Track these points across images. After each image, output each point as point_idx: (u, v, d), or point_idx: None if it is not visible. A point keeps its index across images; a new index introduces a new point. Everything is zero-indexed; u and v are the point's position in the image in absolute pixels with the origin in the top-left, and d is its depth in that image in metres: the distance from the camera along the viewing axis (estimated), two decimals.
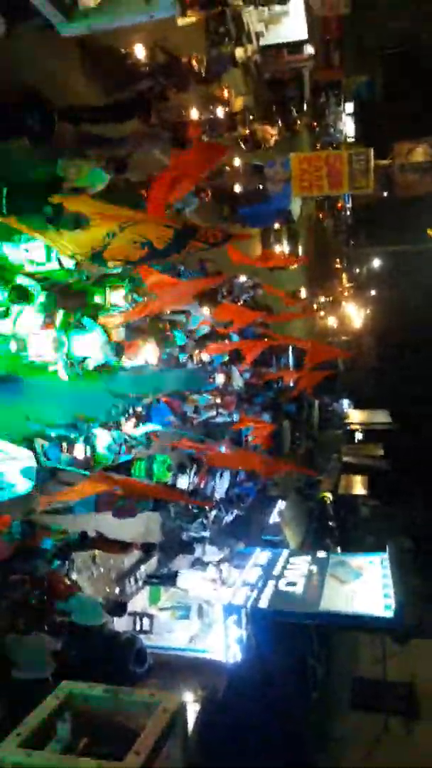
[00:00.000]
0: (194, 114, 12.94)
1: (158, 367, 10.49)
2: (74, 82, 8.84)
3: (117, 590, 9.96)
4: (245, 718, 7.65)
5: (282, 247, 23.03)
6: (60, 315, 7.48)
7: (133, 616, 10.30)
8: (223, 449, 12.29)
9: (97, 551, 9.67)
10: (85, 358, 8.09)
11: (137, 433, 10.06)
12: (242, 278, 15.68)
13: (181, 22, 9.83)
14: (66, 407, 8.88)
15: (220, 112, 14.53)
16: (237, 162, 16.64)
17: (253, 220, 19.17)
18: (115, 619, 9.12)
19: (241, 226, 18.77)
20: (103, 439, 8.92)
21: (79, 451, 8.28)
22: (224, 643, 9.39)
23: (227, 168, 16.25)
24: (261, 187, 17.40)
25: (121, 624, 9.55)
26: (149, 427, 10.47)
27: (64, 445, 8.07)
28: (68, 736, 3.04)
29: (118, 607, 8.43)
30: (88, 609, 7.21)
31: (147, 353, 9.33)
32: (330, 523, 22.02)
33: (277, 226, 21.93)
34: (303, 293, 25.84)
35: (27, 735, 2.84)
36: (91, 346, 8.05)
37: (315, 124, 30.12)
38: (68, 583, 7.43)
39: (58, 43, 7.69)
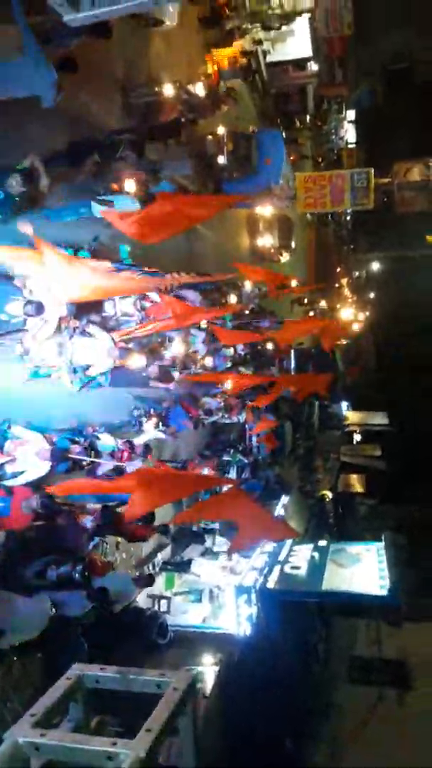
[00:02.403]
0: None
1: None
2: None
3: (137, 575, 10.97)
4: (257, 680, 8.73)
5: (273, 239, 21.04)
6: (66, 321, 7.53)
7: (152, 598, 11.35)
8: (206, 471, 13.02)
9: (119, 539, 10.68)
10: (88, 366, 8.11)
11: (151, 437, 10.56)
12: (248, 287, 16.44)
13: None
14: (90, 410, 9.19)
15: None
16: (221, 130, 15.04)
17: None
18: (138, 599, 10.18)
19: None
20: (107, 442, 9.00)
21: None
22: (236, 620, 10.49)
23: (210, 137, 14.87)
24: (248, 158, 15.98)
25: (141, 605, 10.61)
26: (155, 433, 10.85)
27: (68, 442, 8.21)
28: (81, 716, 3.16)
29: (148, 579, 9.42)
30: (122, 583, 8.21)
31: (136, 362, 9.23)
32: (329, 520, 23.07)
33: (267, 212, 19.54)
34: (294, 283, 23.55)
35: (41, 715, 2.87)
36: (95, 353, 8.07)
37: (319, 123, 30.72)
38: (105, 560, 8.44)
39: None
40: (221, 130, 14.92)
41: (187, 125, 12.31)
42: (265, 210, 18.88)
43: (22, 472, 7.16)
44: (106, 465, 8.79)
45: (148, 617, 9.29)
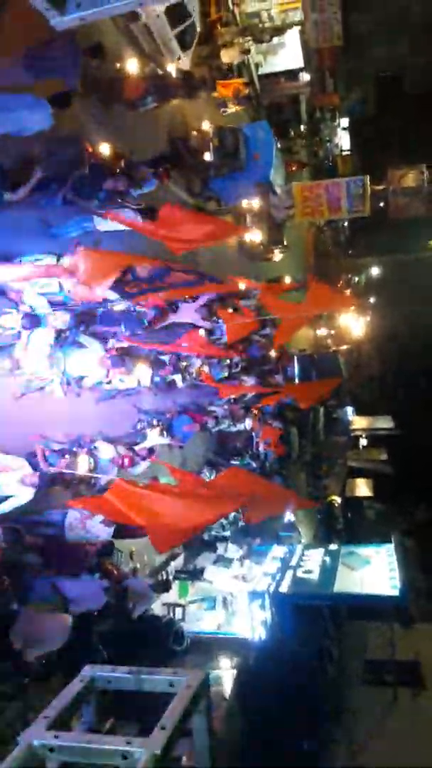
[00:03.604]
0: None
1: (149, 389, 10.63)
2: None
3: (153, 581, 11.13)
4: (273, 682, 8.89)
5: (263, 234, 19.62)
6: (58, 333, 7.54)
7: (167, 606, 11.51)
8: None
9: (134, 548, 10.86)
10: (82, 377, 8.20)
11: (155, 443, 10.53)
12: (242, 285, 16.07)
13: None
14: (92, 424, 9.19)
15: None
16: (206, 125, 14.36)
17: (228, 194, 16.32)
18: (153, 607, 10.36)
19: (216, 203, 16.36)
20: (105, 451, 8.94)
21: (83, 463, 8.24)
22: (250, 625, 10.65)
23: (195, 133, 14.19)
24: (236, 153, 15.22)
25: (157, 613, 10.78)
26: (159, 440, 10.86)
27: (67, 456, 8.09)
28: (94, 718, 3.20)
29: (164, 585, 9.61)
30: (141, 588, 8.40)
31: (140, 375, 9.42)
32: (338, 524, 23.22)
33: (256, 204, 18.43)
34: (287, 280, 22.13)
35: (54, 717, 2.87)
36: (88, 363, 8.10)
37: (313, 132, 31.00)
38: (120, 570, 8.64)
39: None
40: (206, 125, 14.38)
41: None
42: (253, 202, 17.86)
43: (5, 499, 6.94)
44: (107, 477, 8.64)
45: (164, 625, 9.45)
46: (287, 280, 20.85)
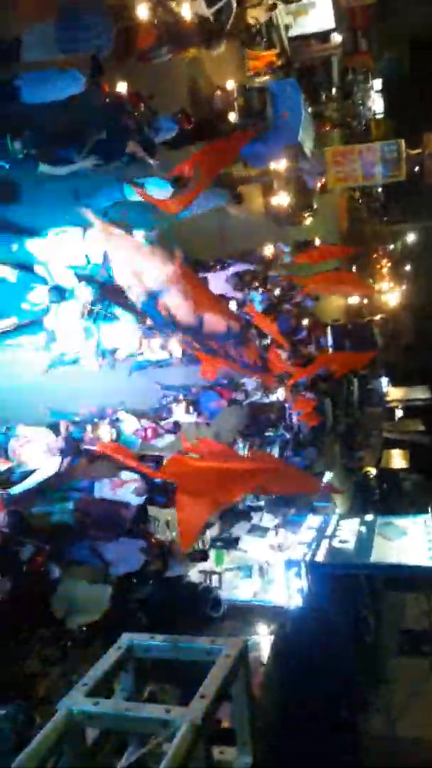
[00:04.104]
0: None
1: (181, 360, 10.33)
2: None
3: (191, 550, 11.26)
4: (310, 649, 8.97)
5: (290, 198, 18.66)
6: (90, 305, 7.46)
7: (204, 573, 11.66)
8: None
9: (169, 517, 10.98)
10: (115, 349, 8.13)
11: (181, 420, 10.23)
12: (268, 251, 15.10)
13: None
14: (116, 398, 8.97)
15: None
16: (230, 84, 13.59)
17: (256, 157, 15.44)
18: (190, 574, 10.52)
19: (243, 166, 15.72)
20: (129, 423, 8.86)
21: (105, 433, 8.07)
22: (286, 594, 10.73)
23: (218, 92, 13.56)
24: (262, 113, 14.45)
25: (194, 580, 10.94)
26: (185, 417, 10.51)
27: (89, 426, 7.96)
28: (132, 686, 3.18)
29: (202, 554, 9.73)
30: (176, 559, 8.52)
31: (171, 347, 9.26)
32: (373, 496, 23.13)
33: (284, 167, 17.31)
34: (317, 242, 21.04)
35: (92, 685, 2.88)
36: (121, 335, 8.06)
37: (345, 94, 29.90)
38: (157, 539, 8.76)
39: None
40: (230, 84, 13.63)
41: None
42: (280, 164, 16.95)
43: (31, 473, 6.82)
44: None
45: (201, 591, 9.57)
46: (317, 242, 20.00)
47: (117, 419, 8.64)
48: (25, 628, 6.54)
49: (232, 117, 13.48)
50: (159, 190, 8.55)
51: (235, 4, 13.59)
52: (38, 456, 6.83)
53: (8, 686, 6.34)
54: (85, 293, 7.55)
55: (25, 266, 7.36)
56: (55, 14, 7.55)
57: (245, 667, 3.10)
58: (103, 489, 7.79)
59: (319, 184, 16.70)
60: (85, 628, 6.54)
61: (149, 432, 9.00)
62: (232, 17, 13.60)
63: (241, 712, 3.16)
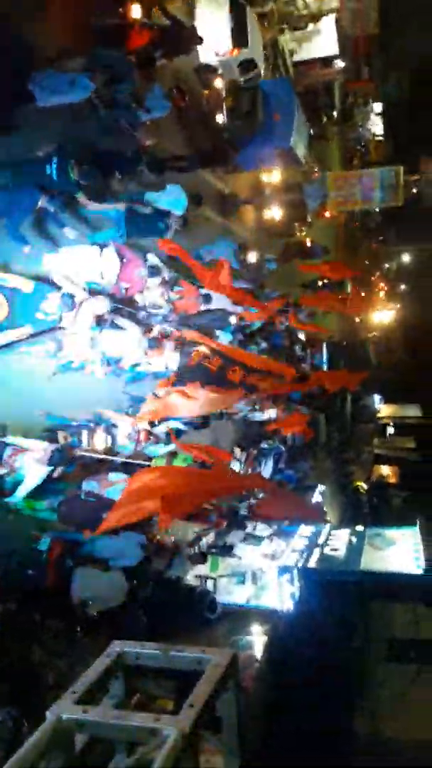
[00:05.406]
0: None
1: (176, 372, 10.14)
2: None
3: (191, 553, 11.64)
4: (301, 649, 9.41)
5: (283, 208, 17.44)
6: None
7: (199, 578, 12.06)
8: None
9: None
10: (120, 358, 8.42)
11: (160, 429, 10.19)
12: (251, 258, 14.57)
13: None
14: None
15: None
16: (219, 83, 12.52)
17: (245, 160, 14.63)
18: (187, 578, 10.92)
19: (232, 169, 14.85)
20: (123, 428, 8.93)
21: (100, 440, 8.32)
22: (279, 598, 11.18)
23: (206, 91, 12.61)
24: (252, 114, 13.65)
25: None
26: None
27: (85, 433, 8.18)
28: (122, 693, 3.16)
29: (201, 557, 10.14)
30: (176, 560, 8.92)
31: (168, 359, 9.52)
32: (363, 510, 23.56)
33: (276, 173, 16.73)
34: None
35: (82, 692, 2.87)
36: (126, 344, 8.31)
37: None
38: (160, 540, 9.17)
39: None
40: (219, 83, 12.67)
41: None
42: (272, 176, 16.27)
43: (22, 481, 7.00)
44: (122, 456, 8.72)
45: (198, 594, 9.99)
46: (308, 242, 19.58)
47: (113, 425, 8.78)
48: (37, 620, 6.95)
49: (220, 117, 12.79)
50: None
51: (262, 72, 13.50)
52: (32, 465, 6.98)
53: (17, 675, 6.74)
54: (96, 305, 7.98)
55: (41, 277, 7.81)
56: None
57: (234, 677, 3.12)
58: (91, 483, 7.97)
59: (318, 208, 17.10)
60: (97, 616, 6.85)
61: (142, 435, 9.07)
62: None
63: (229, 721, 3.24)
